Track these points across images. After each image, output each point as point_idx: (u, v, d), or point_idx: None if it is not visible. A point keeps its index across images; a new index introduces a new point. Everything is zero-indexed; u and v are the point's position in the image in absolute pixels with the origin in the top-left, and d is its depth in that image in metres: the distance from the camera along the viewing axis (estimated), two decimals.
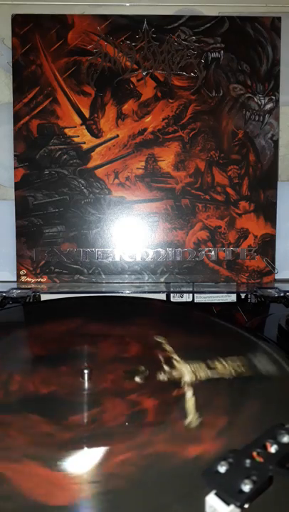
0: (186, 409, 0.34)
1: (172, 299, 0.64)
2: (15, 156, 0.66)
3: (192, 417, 0.32)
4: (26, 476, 0.27)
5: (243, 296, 0.65)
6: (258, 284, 0.67)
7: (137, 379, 0.38)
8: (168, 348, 0.43)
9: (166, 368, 0.40)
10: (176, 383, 0.37)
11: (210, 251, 0.67)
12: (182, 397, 0.35)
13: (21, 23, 0.65)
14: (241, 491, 0.23)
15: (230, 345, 0.45)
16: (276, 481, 0.24)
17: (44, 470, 0.27)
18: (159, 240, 0.67)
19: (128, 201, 0.67)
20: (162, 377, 0.38)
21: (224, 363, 0.40)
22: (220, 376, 0.38)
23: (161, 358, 0.41)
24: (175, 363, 0.40)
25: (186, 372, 0.39)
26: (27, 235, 0.66)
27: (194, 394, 0.35)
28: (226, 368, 0.39)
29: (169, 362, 0.41)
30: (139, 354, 0.43)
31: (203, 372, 0.39)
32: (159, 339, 0.45)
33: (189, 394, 0.36)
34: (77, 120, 0.66)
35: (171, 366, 0.40)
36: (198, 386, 0.37)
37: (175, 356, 0.41)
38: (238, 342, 0.46)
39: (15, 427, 0.32)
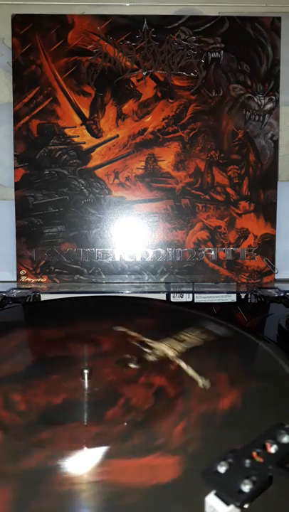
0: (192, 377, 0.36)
1: (172, 299, 0.64)
2: (15, 156, 0.66)
3: (201, 381, 0.35)
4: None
5: (243, 296, 0.65)
6: (258, 284, 0.67)
7: (132, 365, 0.39)
8: (133, 334, 0.46)
9: (147, 350, 0.42)
10: (165, 360, 0.40)
11: (210, 251, 0.67)
12: (180, 369, 0.38)
13: (21, 23, 0.65)
14: (241, 491, 0.23)
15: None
16: (276, 481, 0.24)
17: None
18: (159, 239, 0.67)
19: (128, 201, 0.67)
20: (151, 358, 0.41)
21: (187, 334, 0.44)
22: (193, 345, 0.42)
23: (136, 343, 0.44)
24: (150, 344, 0.43)
25: (165, 349, 0.42)
26: (27, 235, 0.66)
27: (188, 364, 0.39)
28: (191, 337, 0.43)
29: (145, 345, 0.43)
30: (113, 347, 0.44)
31: (179, 346, 0.42)
32: (120, 329, 0.47)
33: (183, 365, 0.39)
34: (77, 120, 0.66)
35: (150, 348, 0.42)
36: (184, 356, 0.40)
37: (145, 339, 0.44)
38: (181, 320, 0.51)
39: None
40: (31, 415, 0.33)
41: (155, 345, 0.43)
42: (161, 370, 0.39)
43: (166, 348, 0.42)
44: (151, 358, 0.41)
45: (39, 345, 0.47)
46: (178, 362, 0.40)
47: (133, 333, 0.46)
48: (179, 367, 0.39)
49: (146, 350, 0.42)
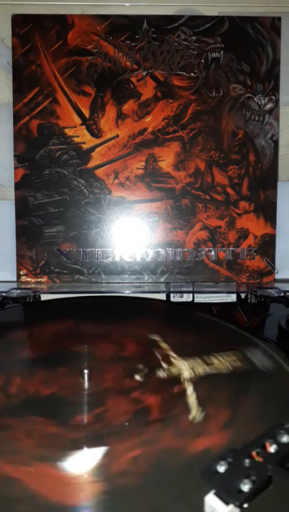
0: (189, 404, 0.34)
1: (172, 299, 0.64)
2: (15, 156, 0.66)
3: (195, 412, 0.33)
4: (37, 478, 0.27)
5: (243, 296, 0.65)
6: (258, 284, 0.67)
7: (137, 377, 0.38)
8: (164, 345, 0.43)
9: (164, 365, 0.40)
10: (176, 380, 0.37)
11: (210, 251, 0.67)
12: (183, 393, 0.35)
13: (21, 23, 0.65)
14: (240, 491, 0.23)
15: (225, 342, 0.45)
16: (275, 480, 0.24)
17: (53, 471, 0.27)
18: (159, 240, 0.67)
19: (128, 201, 0.67)
20: (162, 374, 0.38)
21: (220, 358, 0.40)
22: (218, 371, 0.39)
23: (158, 355, 0.41)
24: (172, 360, 0.41)
25: (184, 368, 0.39)
26: (27, 235, 0.66)
27: (195, 389, 0.36)
28: (222, 363, 0.40)
29: (167, 359, 0.41)
30: (136, 353, 0.43)
31: (201, 368, 0.39)
32: (154, 337, 0.45)
33: (190, 390, 0.36)
34: (77, 120, 0.66)
35: (169, 363, 0.40)
36: (198, 382, 0.37)
37: (171, 353, 0.42)
38: (232, 338, 0.47)
39: (19, 430, 0.32)
40: None
41: (176, 361, 0.40)
42: (162, 390, 0.36)
43: (184, 368, 0.39)
44: (162, 374, 0.39)
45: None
46: (186, 385, 0.36)
47: (164, 344, 0.43)
48: (183, 391, 0.36)
49: (164, 364, 0.40)
